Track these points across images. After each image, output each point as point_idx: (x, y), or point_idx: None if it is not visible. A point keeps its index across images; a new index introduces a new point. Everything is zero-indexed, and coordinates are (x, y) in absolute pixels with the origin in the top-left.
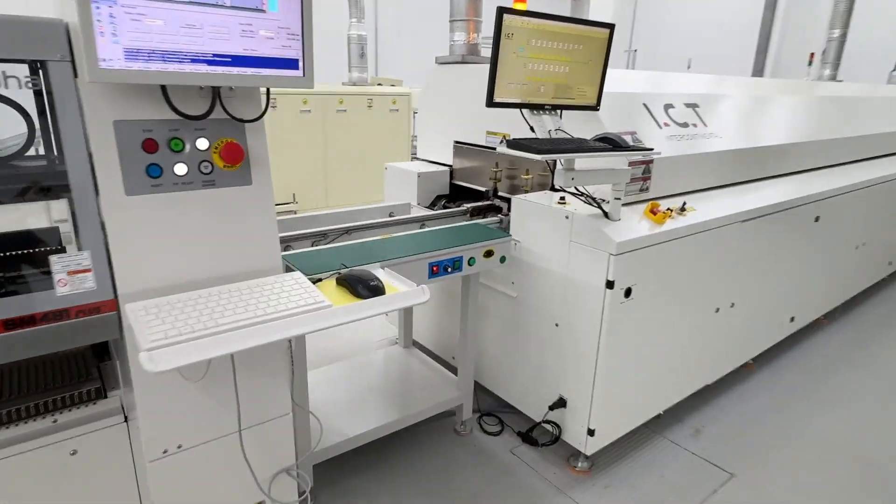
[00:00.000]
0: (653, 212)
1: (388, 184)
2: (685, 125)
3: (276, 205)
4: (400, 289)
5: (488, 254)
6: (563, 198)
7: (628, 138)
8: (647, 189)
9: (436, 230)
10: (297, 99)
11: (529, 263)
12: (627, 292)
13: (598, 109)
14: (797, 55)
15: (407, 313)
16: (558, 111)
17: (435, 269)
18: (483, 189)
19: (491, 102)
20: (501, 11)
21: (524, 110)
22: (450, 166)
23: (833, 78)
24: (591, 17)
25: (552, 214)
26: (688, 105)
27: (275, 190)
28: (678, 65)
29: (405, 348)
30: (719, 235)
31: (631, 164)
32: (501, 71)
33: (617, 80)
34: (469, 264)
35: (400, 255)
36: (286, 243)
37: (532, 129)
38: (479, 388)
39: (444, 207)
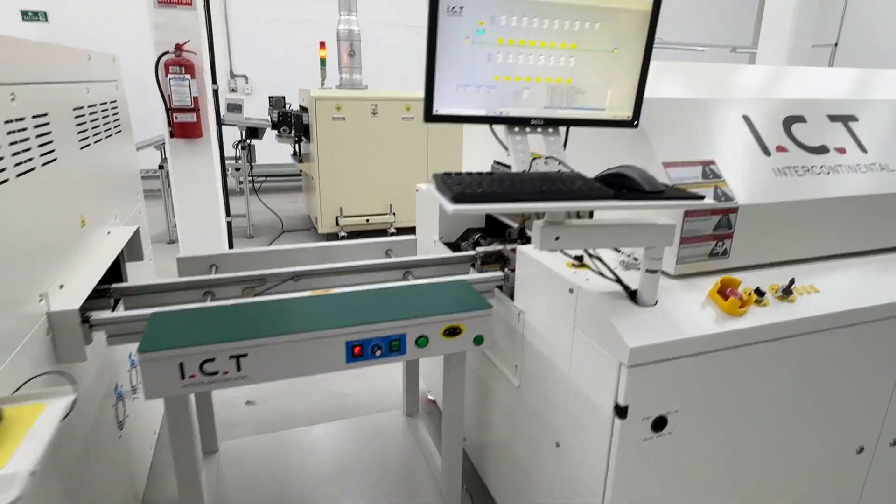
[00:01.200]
0: (723, 293)
1: (419, 210)
2: (820, 150)
3: (372, 215)
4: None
5: (452, 332)
6: (580, 258)
7: (688, 173)
8: (724, 253)
9: (400, 287)
10: (400, 105)
11: (532, 346)
12: (658, 424)
13: (635, 125)
14: None
15: (411, 370)
16: (558, 128)
17: (357, 349)
18: (513, 226)
19: (430, 116)
20: None
21: (495, 126)
22: None
23: None
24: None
25: (555, 283)
26: (834, 118)
27: (372, 200)
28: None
29: (408, 416)
30: (855, 337)
31: (689, 214)
32: (444, 67)
33: (707, 77)
34: (418, 345)
35: (307, 328)
36: (207, 289)
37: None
38: (479, 480)
39: (476, 245)
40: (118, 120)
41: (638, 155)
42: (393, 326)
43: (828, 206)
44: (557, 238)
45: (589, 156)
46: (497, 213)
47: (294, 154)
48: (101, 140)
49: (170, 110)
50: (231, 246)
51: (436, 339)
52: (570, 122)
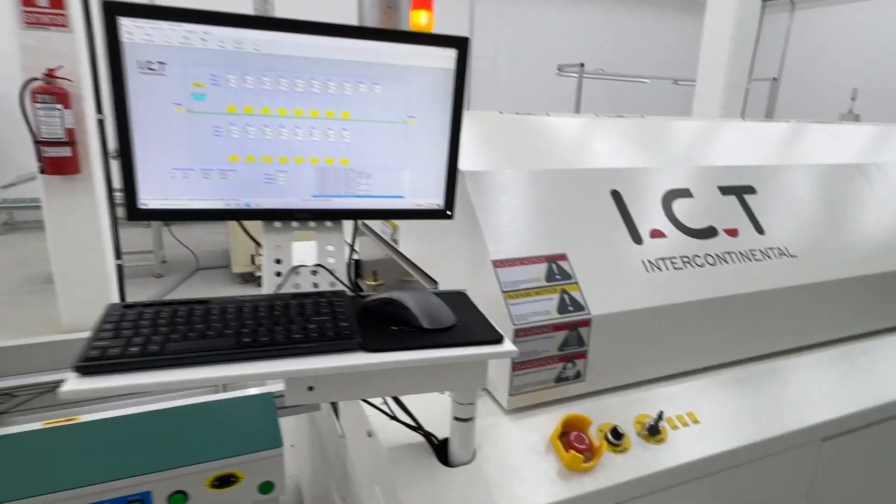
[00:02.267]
0: (566, 440)
1: None
2: (706, 234)
3: None
4: None
5: (224, 482)
6: None
7: (527, 274)
8: (577, 376)
9: (168, 410)
10: None
11: (358, 481)
12: None
13: (448, 216)
14: None
15: None
16: (340, 223)
17: None
18: None
19: (133, 211)
20: (111, 8)
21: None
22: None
23: None
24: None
25: (358, 416)
26: (727, 190)
27: None
28: (840, 97)
29: None
30: (744, 479)
31: (523, 333)
32: (147, 145)
33: (576, 135)
34: None
35: None
36: None
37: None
38: None
39: None
40: None
41: (470, 250)
42: (129, 485)
43: (711, 307)
44: (311, 388)
45: (427, 248)
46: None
47: None
48: None
49: (38, 143)
50: (122, 291)
51: (200, 494)
52: (353, 215)
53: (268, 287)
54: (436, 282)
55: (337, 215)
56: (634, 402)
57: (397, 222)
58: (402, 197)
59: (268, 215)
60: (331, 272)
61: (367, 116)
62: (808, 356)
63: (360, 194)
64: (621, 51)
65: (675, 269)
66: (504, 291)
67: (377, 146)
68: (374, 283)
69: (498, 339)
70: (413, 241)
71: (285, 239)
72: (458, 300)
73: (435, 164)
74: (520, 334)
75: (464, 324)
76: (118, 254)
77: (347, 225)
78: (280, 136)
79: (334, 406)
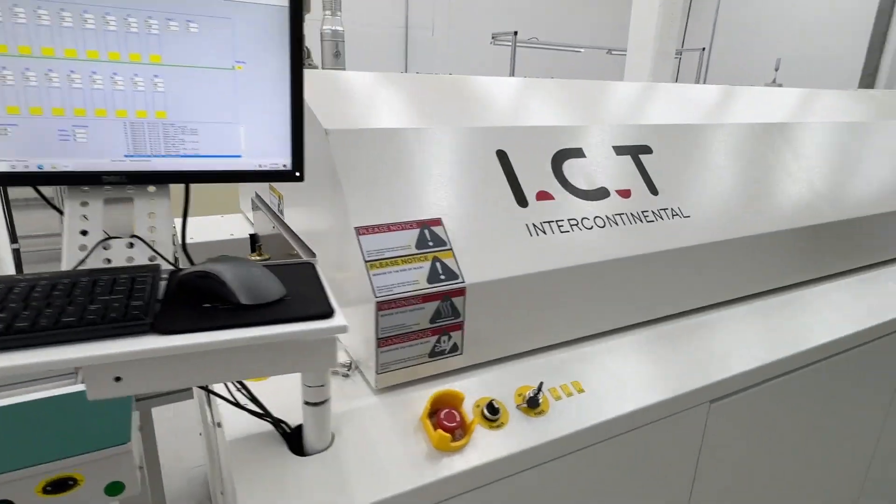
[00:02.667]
0: (437, 420)
1: None
2: (598, 195)
3: None
4: None
5: (60, 486)
6: None
7: (396, 240)
8: (454, 349)
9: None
10: None
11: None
12: None
13: (298, 177)
14: None
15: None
16: (167, 188)
17: None
18: None
19: None
20: None
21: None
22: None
23: None
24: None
25: (211, 404)
26: (622, 150)
27: None
28: (765, 67)
29: None
30: (626, 450)
31: (386, 306)
32: None
33: (471, 96)
34: None
35: None
36: None
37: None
38: None
39: None
40: None
41: (335, 217)
42: None
43: (599, 271)
44: (119, 379)
45: (307, 218)
46: None
47: None
48: None
49: None
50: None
51: (30, 502)
52: (180, 178)
53: (67, 262)
54: (314, 254)
55: (159, 178)
56: (518, 375)
57: (282, 191)
58: (238, 157)
59: (70, 179)
60: (148, 244)
61: (183, 61)
62: (699, 317)
63: (185, 154)
64: (558, 20)
65: (563, 232)
66: (367, 261)
67: (201, 97)
68: (258, 258)
69: (327, 314)
70: (296, 211)
71: (94, 207)
72: (300, 272)
73: (276, 118)
74: (384, 307)
75: (294, 298)
76: (14, 237)
77: (177, 190)
78: (72, 83)
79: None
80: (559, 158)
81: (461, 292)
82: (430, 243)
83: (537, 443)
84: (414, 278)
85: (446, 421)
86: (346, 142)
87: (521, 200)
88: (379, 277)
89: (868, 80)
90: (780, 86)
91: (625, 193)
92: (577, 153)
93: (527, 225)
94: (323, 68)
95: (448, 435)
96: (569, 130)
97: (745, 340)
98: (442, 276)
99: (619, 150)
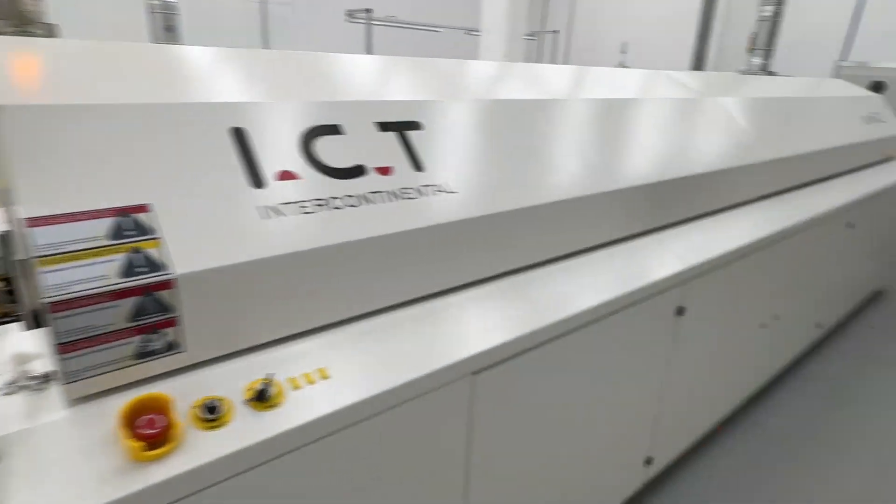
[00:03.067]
0: (134, 426)
1: None
2: (352, 173)
3: None
4: None
5: None
6: None
7: (81, 231)
8: (171, 348)
9: None
10: None
11: None
12: None
13: None
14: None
15: None
16: None
17: None
18: None
19: None
20: None
21: None
22: None
23: (764, 69)
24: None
25: None
26: (387, 126)
27: None
28: (614, 51)
29: None
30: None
31: (62, 306)
32: None
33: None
34: None
35: None
36: None
37: None
38: None
39: None
40: None
41: (12, 208)
42: None
43: (344, 252)
44: None
45: None
46: None
47: None
48: None
49: None
50: None
51: None
52: None
53: None
54: None
55: None
56: (257, 368)
57: None
58: None
59: None
60: None
61: None
62: (461, 295)
63: None
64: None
65: (305, 213)
66: (36, 256)
67: None
68: None
69: None
70: None
71: None
72: None
73: None
74: (59, 308)
75: None
76: None
77: None
78: None
79: None
80: (311, 136)
81: (167, 285)
82: (131, 232)
83: (261, 439)
84: (101, 273)
85: (146, 428)
86: (29, 120)
87: (257, 182)
88: (52, 275)
89: (698, 62)
90: (625, 67)
91: (384, 171)
92: (333, 130)
93: (259, 207)
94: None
95: (140, 444)
96: (327, 106)
97: (505, 312)
98: (141, 269)
99: (384, 127)
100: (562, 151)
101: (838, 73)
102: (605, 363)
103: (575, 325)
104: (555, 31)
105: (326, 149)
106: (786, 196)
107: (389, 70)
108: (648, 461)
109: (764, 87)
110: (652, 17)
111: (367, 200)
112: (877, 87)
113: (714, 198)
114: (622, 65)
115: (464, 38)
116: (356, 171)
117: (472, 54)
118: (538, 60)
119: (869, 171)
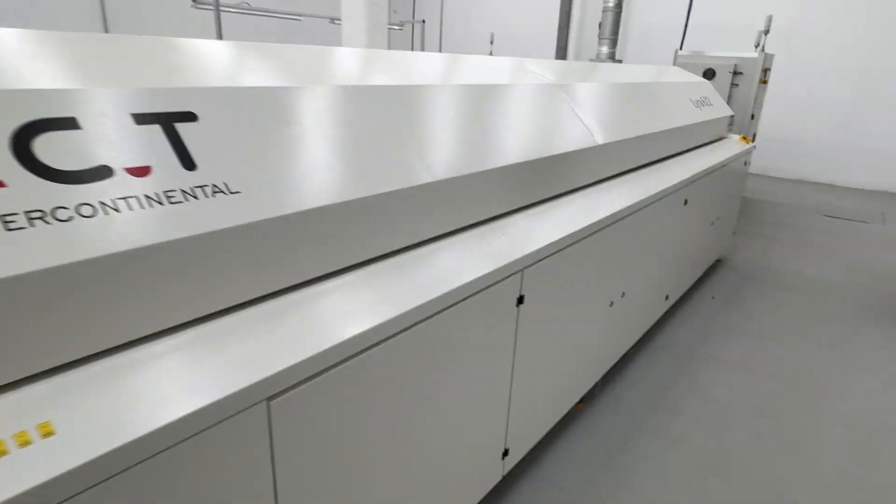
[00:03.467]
0: None
1: None
2: (91, 176)
3: None
4: None
5: None
6: None
7: None
8: None
9: None
10: None
11: None
12: None
13: None
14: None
15: None
16: None
17: None
18: None
19: None
20: None
21: None
22: None
23: (612, 57)
24: None
25: None
26: (147, 118)
27: None
28: (484, 42)
29: None
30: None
31: None
32: None
33: None
34: None
35: None
36: None
37: None
38: None
39: None
40: None
41: None
42: None
43: (74, 272)
44: None
45: None
46: None
47: None
48: None
49: None
50: None
51: None
52: None
53: None
54: None
55: None
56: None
57: None
58: None
59: None
60: None
61: None
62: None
63: None
64: None
65: (10, 230)
66: None
67: None
68: None
69: None
70: None
71: None
72: None
73: None
74: None
75: None
76: None
77: None
78: None
79: None
80: (30, 132)
81: None
82: None
83: None
84: None
85: None
86: None
87: None
88: None
89: (562, 52)
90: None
91: (140, 171)
92: (67, 124)
93: None
94: None
95: None
96: (58, 96)
97: (295, 330)
98: None
99: (143, 119)
100: (376, 143)
101: (677, 61)
102: (447, 360)
103: (364, 345)
104: (422, 21)
105: (55, 147)
106: (625, 177)
107: (185, 54)
108: (506, 453)
109: (611, 74)
110: (520, 9)
111: (110, 208)
112: (708, 73)
113: (558, 182)
114: (491, 54)
115: (329, 28)
116: (99, 174)
117: (338, 44)
118: (408, 50)
119: (703, 150)
